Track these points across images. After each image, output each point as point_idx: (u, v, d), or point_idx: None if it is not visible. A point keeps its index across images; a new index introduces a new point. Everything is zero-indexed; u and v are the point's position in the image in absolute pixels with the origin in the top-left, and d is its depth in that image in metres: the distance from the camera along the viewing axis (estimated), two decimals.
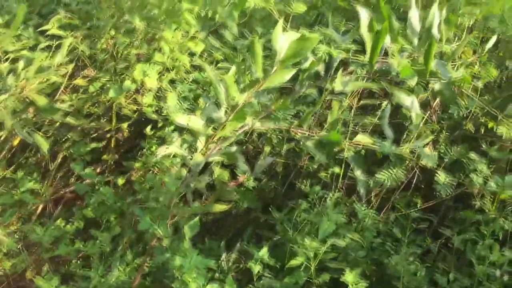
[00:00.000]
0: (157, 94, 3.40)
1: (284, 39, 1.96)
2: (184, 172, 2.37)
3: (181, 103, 2.94)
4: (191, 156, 2.12)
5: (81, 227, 3.11)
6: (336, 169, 2.99)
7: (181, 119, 2.06)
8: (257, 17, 3.86)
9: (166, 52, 3.28)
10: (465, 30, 2.52)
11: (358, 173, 2.18)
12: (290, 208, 3.02)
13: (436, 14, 2.11)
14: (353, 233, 2.45)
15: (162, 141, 3.22)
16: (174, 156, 2.94)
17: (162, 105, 3.27)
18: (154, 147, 3.30)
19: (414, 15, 2.14)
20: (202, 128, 2.07)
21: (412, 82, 1.90)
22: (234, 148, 2.28)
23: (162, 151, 2.09)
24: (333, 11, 4.06)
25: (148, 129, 3.29)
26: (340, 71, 2.05)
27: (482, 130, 2.77)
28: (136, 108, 3.38)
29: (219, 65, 3.57)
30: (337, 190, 2.96)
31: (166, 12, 3.13)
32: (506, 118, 2.55)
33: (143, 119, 3.43)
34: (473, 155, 2.48)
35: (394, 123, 2.84)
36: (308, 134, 2.18)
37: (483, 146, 2.66)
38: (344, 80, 2.01)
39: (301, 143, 2.32)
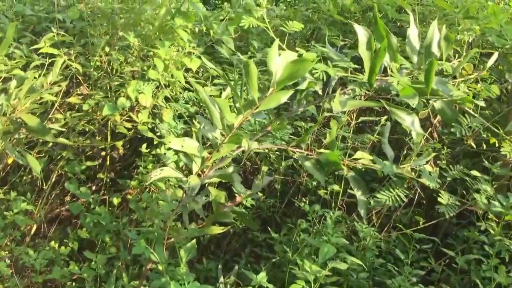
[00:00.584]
0: (153, 111, 3.35)
1: (280, 60, 1.91)
2: (180, 193, 2.31)
3: (176, 122, 2.88)
4: (187, 179, 2.06)
5: (76, 248, 3.03)
6: (336, 187, 2.94)
7: (175, 143, 2.01)
8: (254, 31, 3.83)
9: (160, 69, 3.23)
10: (465, 46, 2.48)
11: (359, 194, 2.12)
12: (289, 227, 2.97)
13: (435, 31, 2.07)
14: (355, 255, 2.39)
15: (158, 160, 3.17)
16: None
17: (158, 123, 3.22)
18: (150, 166, 3.24)
19: (413, 32, 2.10)
20: (197, 151, 2.01)
21: (413, 102, 1.85)
22: (230, 169, 2.23)
23: (155, 174, 2.03)
24: (328, 25, 4.05)
25: (143, 147, 3.23)
26: (339, 90, 2.00)
27: (484, 146, 2.72)
28: (131, 126, 3.32)
29: (215, 81, 3.53)
30: (336, 208, 2.90)
31: (159, 28, 3.09)
32: (508, 135, 2.50)
33: (138, 136, 3.37)
34: (475, 173, 2.42)
35: (392, 138, 2.80)
36: (307, 154, 2.12)
37: (485, 162, 2.61)
38: (342, 100, 1.96)
39: (300, 162, 2.26)
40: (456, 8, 3.32)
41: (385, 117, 2.99)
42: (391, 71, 1.96)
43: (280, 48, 2.16)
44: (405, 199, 2.29)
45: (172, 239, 2.28)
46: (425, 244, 2.49)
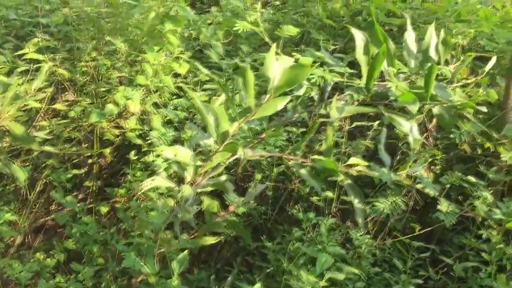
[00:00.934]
0: (141, 117, 3.28)
1: (277, 66, 1.85)
2: (171, 202, 2.24)
3: (166, 129, 2.81)
4: (179, 188, 1.99)
5: (62, 260, 2.94)
6: (329, 193, 2.89)
7: (168, 151, 1.94)
8: (243, 35, 3.78)
9: (149, 74, 3.16)
10: (459, 50, 2.45)
11: (356, 202, 2.07)
12: (282, 235, 2.91)
13: (432, 35, 2.03)
14: (350, 264, 2.34)
15: (147, 167, 3.09)
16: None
17: (146, 129, 3.14)
18: (138, 173, 3.16)
19: (410, 36, 2.06)
20: (190, 160, 1.94)
21: (414, 108, 1.81)
22: (223, 177, 2.16)
23: (147, 184, 1.96)
24: (318, 29, 4.01)
25: (132, 154, 3.15)
26: (336, 96, 1.95)
27: (479, 151, 2.69)
28: (119, 133, 3.24)
29: (204, 86, 3.47)
30: (330, 215, 2.85)
31: (148, 33, 3.02)
32: (503, 139, 2.48)
33: (126, 143, 3.29)
34: (471, 178, 2.39)
35: (386, 143, 2.75)
36: (302, 162, 2.07)
37: (480, 167, 2.58)
38: (339, 106, 1.91)
39: (295, 170, 2.21)
40: (447, 11, 3.30)
41: (378, 122, 2.95)
42: (389, 76, 1.92)
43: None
44: (403, 207, 2.25)
45: (163, 250, 2.21)
46: (421, 252, 2.44)
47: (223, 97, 2.13)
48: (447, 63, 2.09)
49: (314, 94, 2.04)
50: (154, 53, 3.05)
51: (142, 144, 3.16)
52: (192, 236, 2.31)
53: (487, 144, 2.63)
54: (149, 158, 3.07)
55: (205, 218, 2.28)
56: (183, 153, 1.95)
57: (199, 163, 1.96)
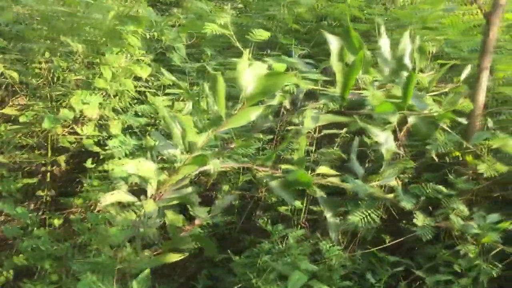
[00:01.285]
0: (99, 122, 3.10)
1: (250, 73, 1.74)
2: (132, 216, 2.09)
3: (126, 137, 2.64)
4: (141, 202, 1.85)
5: (11, 278, 2.72)
6: (298, 203, 2.80)
7: (130, 166, 1.79)
8: (207, 38, 3.66)
9: (108, 77, 2.98)
10: (430, 57, 2.42)
11: (329, 216, 1.98)
12: (249, 247, 2.81)
13: (407, 42, 1.97)
14: (320, 277, 2.25)
15: (105, 177, 2.92)
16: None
17: (105, 136, 2.97)
18: (95, 182, 2.98)
19: (384, 42, 1.99)
20: (154, 175, 1.80)
21: (393, 119, 1.74)
22: (189, 189, 2.03)
23: (107, 199, 1.80)
24: (284, 33, 3.94)
25: (89, 162, 2.97)
26: (310, 106, 1.86)
27: (447, 159, 2.67)
28: (75, 139, 3.05)
29: (167, 90, 3.32)
30: (299, 226, 2.77)
31: (107, 34, 2.85)
32: (471, 148, 2.46)
33: (83, 150, 3.10)
34: (443, 189, 2.36)
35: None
36: (272, 173, 1.96)
37: (449, 176, 2.56)
38: (314, 115, 1.82)
39: (265, 183, 2.10)
40: (412, 18, 3.29)
41: (345, 129, 2.89)
42: (365, 84, 1.85)
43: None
44: (377, 220, 2.18)
45: (123, 267, 2.05)
46: (394, 265, 2.38)
47: (189, 105, 2.00)
48: (421, 71, 2.04)
49: (287, 102, 1.95)
50: (114, 55, 2.88)
51: (100, 152, 2.98)
52: (155, 253, 2.16)
53: (457, 153, 2.60)
54: (108, 167, 2.90)
55: (169, 233, 2.14)
56: (146, 167, 1.80)
57: (163, 177, 1.83)
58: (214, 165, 1.74)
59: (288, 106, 1.93)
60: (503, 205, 2.64)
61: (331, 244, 2.53)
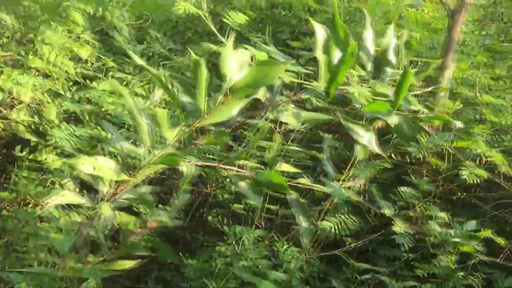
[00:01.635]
0: (33, 106, 2.76)
1: (236, 62, 1.53)
2: (77, 217, 1.82)
3: (67, 125, 2.34)
4: (92, 204, 1.60)
5: None
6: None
7: (87, 166, 1.53)
8: (157, 21, 3.38)
9: (45, 55, 2.65)
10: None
11: (301, 220, 1.83)
12: (200, 246, 2.62)
13: (391, 36, 1.85)
14: (280, 283, 2.11)
15: (40, 168, 2.60)
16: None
17: (40, 122, 2.64)
18: (26, 173, 2.66)
19: (369, 36, 1.86)
20: (113, 175, 1.56)
21: (391, 120, 1.61)
22: (144, 189, 1.80)
23: (54, 201, 1.54)
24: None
25: (17, 150, 2.64)
26: (290, 102, 1.69)
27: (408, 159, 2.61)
28: (4, 124, 2.70)
29: (111, 73, 3.02)
30: (253, 226, 2.61)
31: (47, 8, 2.52)
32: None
33: (17, 138, 2.75)
34: (406, 189, 2.29)
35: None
36: (238, 172, 1.77)
37: (412, 177, 2.50)
38: (295, 112, 1.66)
39: (232, 182, 1.92)
40: (374, 13, 3.20)
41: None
42: (350, 80, 1.70)
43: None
44: (352, 227, 2.07)
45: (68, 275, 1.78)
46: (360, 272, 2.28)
47: (159, 93, 1.75)
48: (405, 68, 1.93)
49: (262, 96, 1.76)
50: (52, 31, 2.56)
51: (33, 140, 2.65)
52: (101, 258, 1.90)
53: (417, 154, 2.54)
54: (42, 156, 2.59)
55: (121, 238, 1.90)
56: (104, 166, 1.55)
57: (123, 177, 1.59)
58: (189, 169, 1.53)
59: (263, 99, 1.76)
60: (463, 207, 2.63)
61: (287, 245, 2.41)
